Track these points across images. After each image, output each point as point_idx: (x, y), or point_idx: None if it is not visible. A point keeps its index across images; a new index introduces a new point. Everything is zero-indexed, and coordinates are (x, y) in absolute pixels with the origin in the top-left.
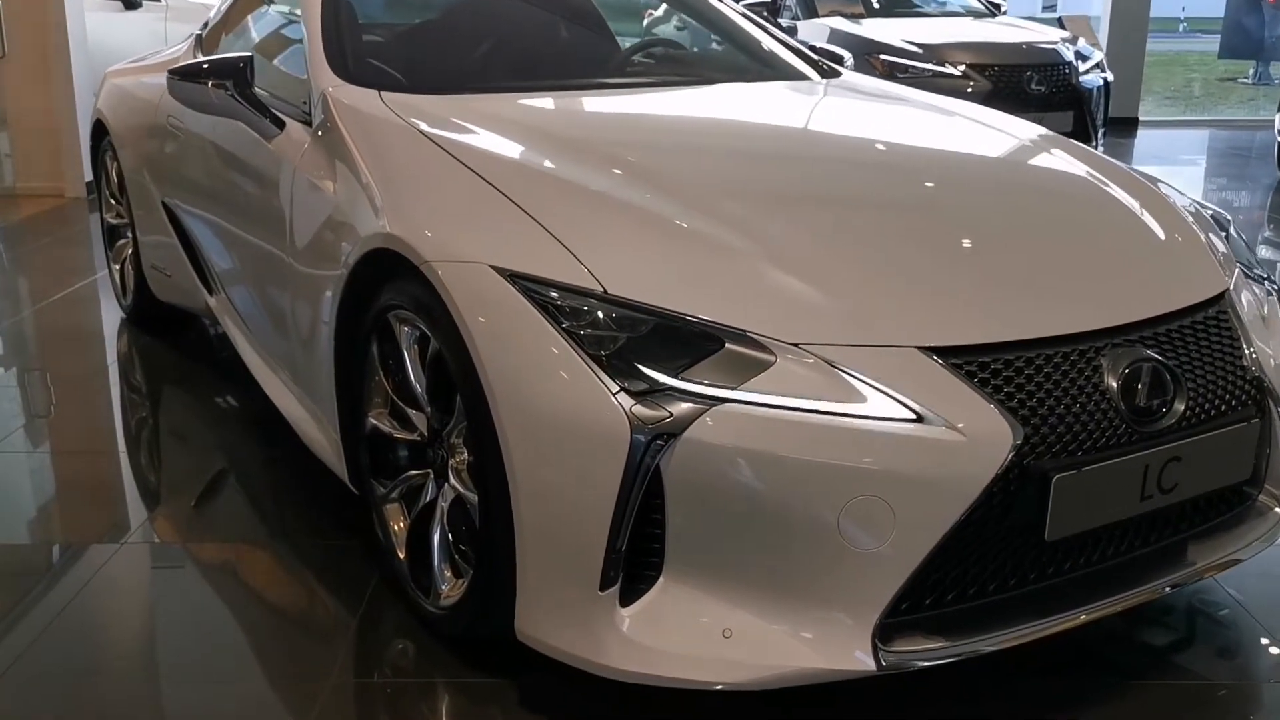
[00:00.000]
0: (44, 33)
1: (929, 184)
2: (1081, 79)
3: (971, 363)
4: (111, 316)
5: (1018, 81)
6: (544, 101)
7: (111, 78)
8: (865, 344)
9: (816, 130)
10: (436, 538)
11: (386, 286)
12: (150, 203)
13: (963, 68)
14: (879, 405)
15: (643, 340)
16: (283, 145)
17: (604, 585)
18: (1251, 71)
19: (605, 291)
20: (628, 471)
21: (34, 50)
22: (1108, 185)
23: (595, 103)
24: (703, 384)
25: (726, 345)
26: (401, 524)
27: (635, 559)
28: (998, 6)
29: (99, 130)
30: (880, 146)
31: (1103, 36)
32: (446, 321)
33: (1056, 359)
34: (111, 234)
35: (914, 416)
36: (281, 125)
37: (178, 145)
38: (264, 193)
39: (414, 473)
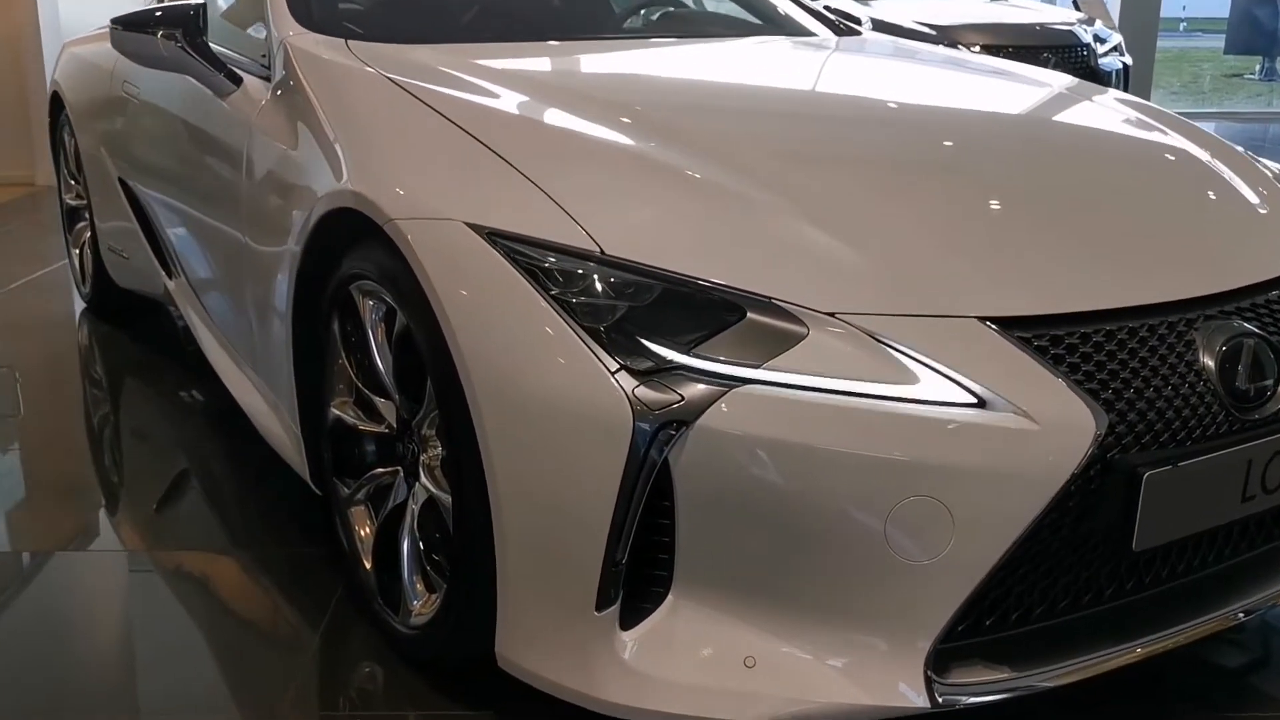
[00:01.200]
0: (12, 11)
1: (981, 143)
2: (1100, 61)
3: (1043, 336)
4: (71, 306)
5: (1034, 64)
6: (535, 53)
7: (70, 47)
8: (915, 314)
9: (846, 86)
10: (406, 545)
11: (349, 254)
12: (107, 180)
13: (976, 49)
14: (933, 387)
15: (648, 310)
16: (238, 103)
17: (601, 604)
18: (1258, 67)
19: (603, 252)
20: (630, 467)
21: (1, 30)
22: (1189, 145)
23: (592, 56)
24: (720, 361)
25: (748, 315)
26: (368, 530)
27: (639, 573)
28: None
29: (56, 105)
30: (921, 104)
31: None
32: (414, 290)
33: (1143, 333)
34: (70, 216)
35: (975, 400)
36: (238, 82)
37: (133, 115)
38: (218, 158)
39: (381, 470)
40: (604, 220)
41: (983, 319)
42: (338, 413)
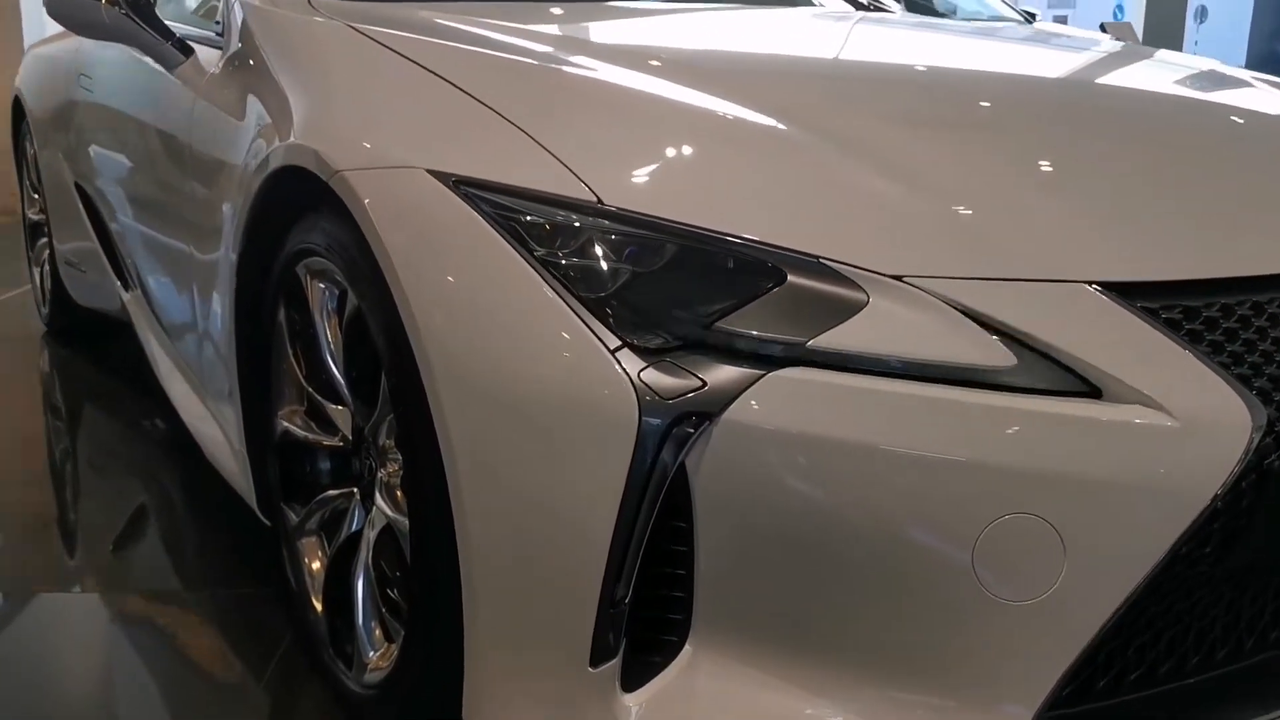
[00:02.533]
0: None
1: (1075, 97)
2: None
3: (1174, 308)
4: (33, 329)
5: None
6: (532, 10)
7: (35, 49)
8: (1008, 277)
9: (909, 47)
10: (361, 583)
11: (296, 226)
12: (63, 187)
13: None
14: (1033, 371)
15: (659, 275)
16: (187, 74)
17: (597, 658)
18: None
19: (601, 203)
20: (634, 476)
21: None
22: None
23: (599, 13)
24: (753, 338)
25: (789, 279)
26: (320, 564)
27: (647, 617)
28: (1033, 15)
29: (17, 112)
30: (994, 66)
31: None
32: (364, 259)
33: None
34: (33, 232)
35: (1090, 389)
36: (189, 53)
37: (86, 111)
38: (164, 142)
39: (335, 493)
40: (604, 166)
41: (1097, 284)
42: (286, 424)
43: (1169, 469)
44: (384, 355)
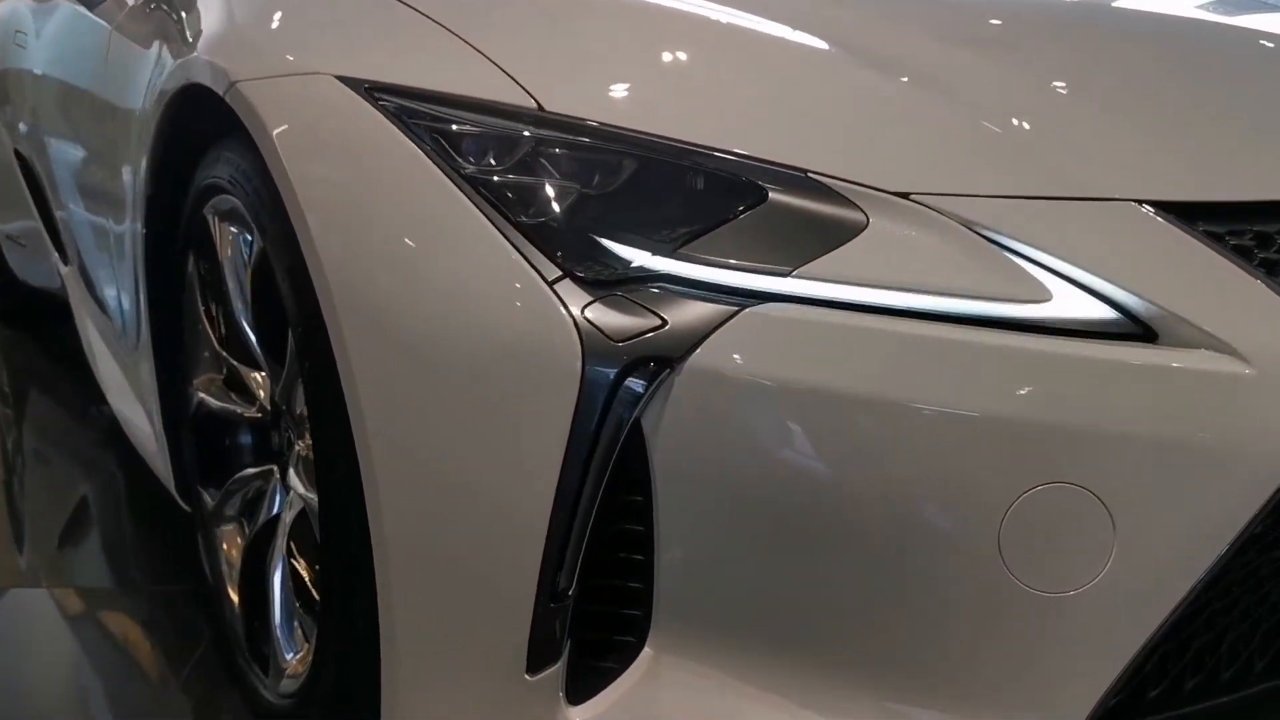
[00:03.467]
0: None
1: (1115, 17)
2: None
3: (1246, 232)
4: None
5: None
6: None
7: None
8: (1039, 194)
9: None
10: (278, 576)
11: (202, 161)
12: (4, 156)
13: None
14: (1073, 306)
15: (613, 195)
16: (109, 10)
17: (536, 663)
18: None
19: (543, 109)
20: (577, 439)
21: None
22: None
23: None
24: (725, 266)
25: (770, 197)
26: (237, 554)
27: (597, 613)
28: None
29: None
30: None
31: None
32: (268, 188)
33: None
34: None
35: (1142, 330)
36: None
37: (20, 68)
38: (87, 90)
39: (253, 471)
40: (548, 68)
41: (1151, 204)
42: (202, 395)
43: (1242, 428)
44: (287, 300)
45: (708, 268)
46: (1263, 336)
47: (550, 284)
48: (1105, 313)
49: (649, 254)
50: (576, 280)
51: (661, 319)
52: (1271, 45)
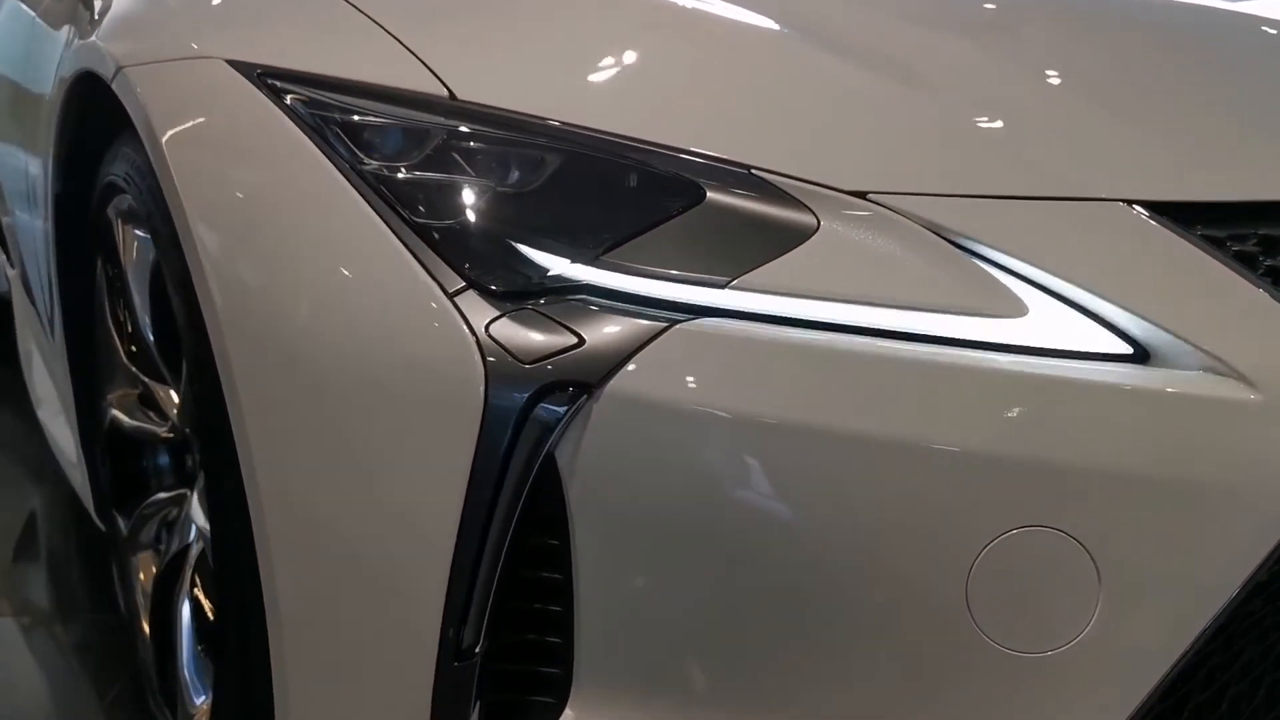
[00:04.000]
0: None
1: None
2: None
3: (1249, 237)
4: None
5: None
6: None
7: None
8: (1017, 194)
9: None
10: (186, 611)
11: (105, 156)
12: None
13: None
14: (1053, 322)
15: (531, 195)
16: None
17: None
18: None
19: (454, 97)
20: (480, 476)
21: None
22: None
23: None
24: (653, 275)
25: (709, 197)
26: (151, 585)
27: (512, 672)
28: None
29: None
30: None
31: None
32: (155, 185)
33: None
34: None
35: (1132, 348)
36: None
37: None
38: (16, 78)
39: (164, 496)
40: (465, 52)
41: (1139, 204)
42: (115, 412)
43: (1246, 462)
44: (178, 314)
45: (633, 277)
46: (1270, 357)
47: (451, 296)
48: (1090, 329)
49: (567, 261)
50: (482, 292)
51: (579, 337)
52: (1275, 32)
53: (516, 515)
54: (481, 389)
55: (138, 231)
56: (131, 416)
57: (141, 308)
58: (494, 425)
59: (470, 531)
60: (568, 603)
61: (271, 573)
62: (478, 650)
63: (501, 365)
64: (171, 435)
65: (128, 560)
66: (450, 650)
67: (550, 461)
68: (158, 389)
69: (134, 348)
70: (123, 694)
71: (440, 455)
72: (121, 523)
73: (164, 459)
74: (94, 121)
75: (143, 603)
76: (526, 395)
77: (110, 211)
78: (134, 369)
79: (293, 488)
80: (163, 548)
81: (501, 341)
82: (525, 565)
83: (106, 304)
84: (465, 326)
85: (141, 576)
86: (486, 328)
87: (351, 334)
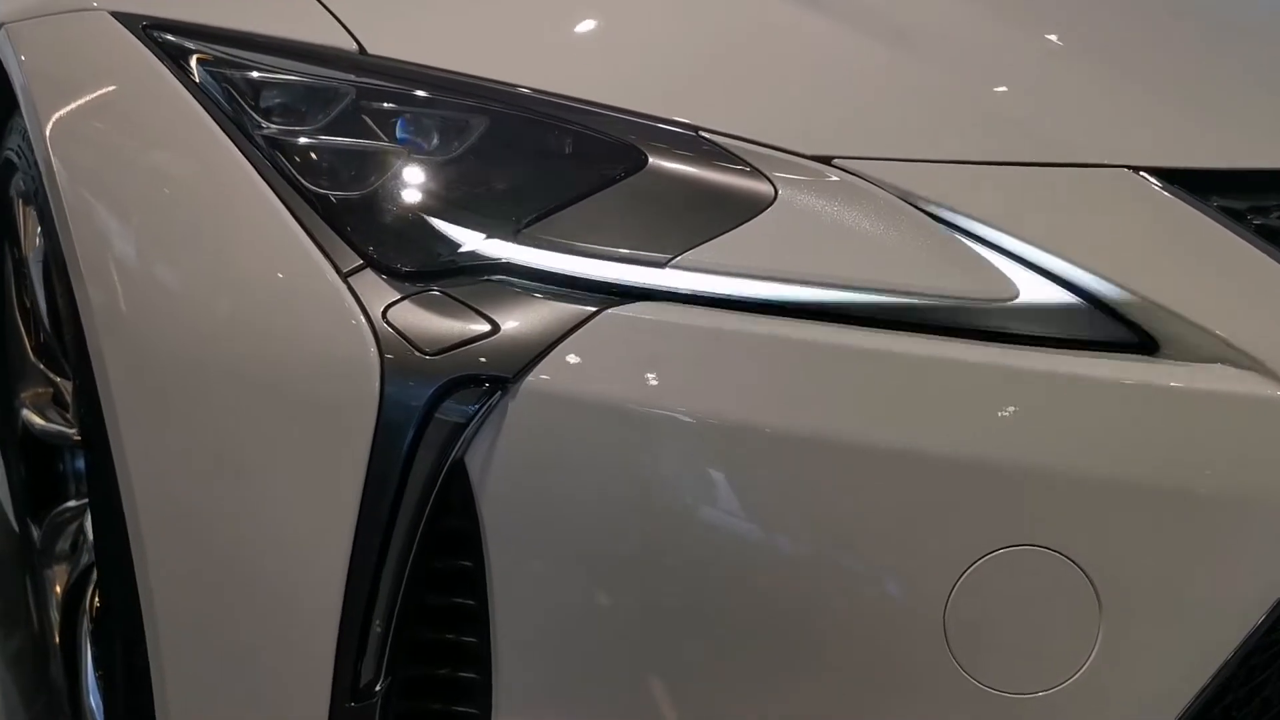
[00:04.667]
0: None
1: None
2: None
3: (1272, 209)
4: None
5: None
6: None
7: None
8: (1002, 160)
9: None
10: (89, 633)
11: (4, 130)
12: None
13: None
14: (1048, 308)
15: (446, 162)
16: None
17: None
18: None
19: (364, 52)
20: (375, 487)
21: None
22: None
23: None
24: (582, 252)
25: (651, 162)
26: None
27: (419, 710)
28: None
29: None
30: None
31: None
32: (34, 156)
33: None
34: None
35: (1140, 337)
36: None
37: None
38: None
39: (75, 504)
40: (379, 3)
41: (1147, 171)
42: (29, 414)
43: (1271, 467)
44: (61, 302)
45: (558, 254)
46: None
47: (345, 276)
48: (1090, 315)
49: (482, 236)
50: (382, 271)
51: (492, 323)
52: None
53: (420, 532)
54: (376, 384)
55: (33, 210)
56: (44, 417)
57: (42, 299)
58: (391, 427)
59: (366, 551)
60: (484, 633)
61: (150, 596)
62: (378, 688)
63: (400, 356)
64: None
65: (41, 573)
66: (346, 687)
67: (459, 469)
68: (65, 387)
69: (39, 342)
70: (50, 705)
71: (329, 463)
72: (34, 531)
73: (79, 463)
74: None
75: (56, 621)
76: (430, 392)
77: (12, 191)
78: (40, 365)
79: (170, 499)
80: (78, 561)
81: (401, 329)
82: (433, 590)
83: (13, 295)
84: (359, 311)
85: (57, 590)
86: (384, 313)
87: (232, 323)
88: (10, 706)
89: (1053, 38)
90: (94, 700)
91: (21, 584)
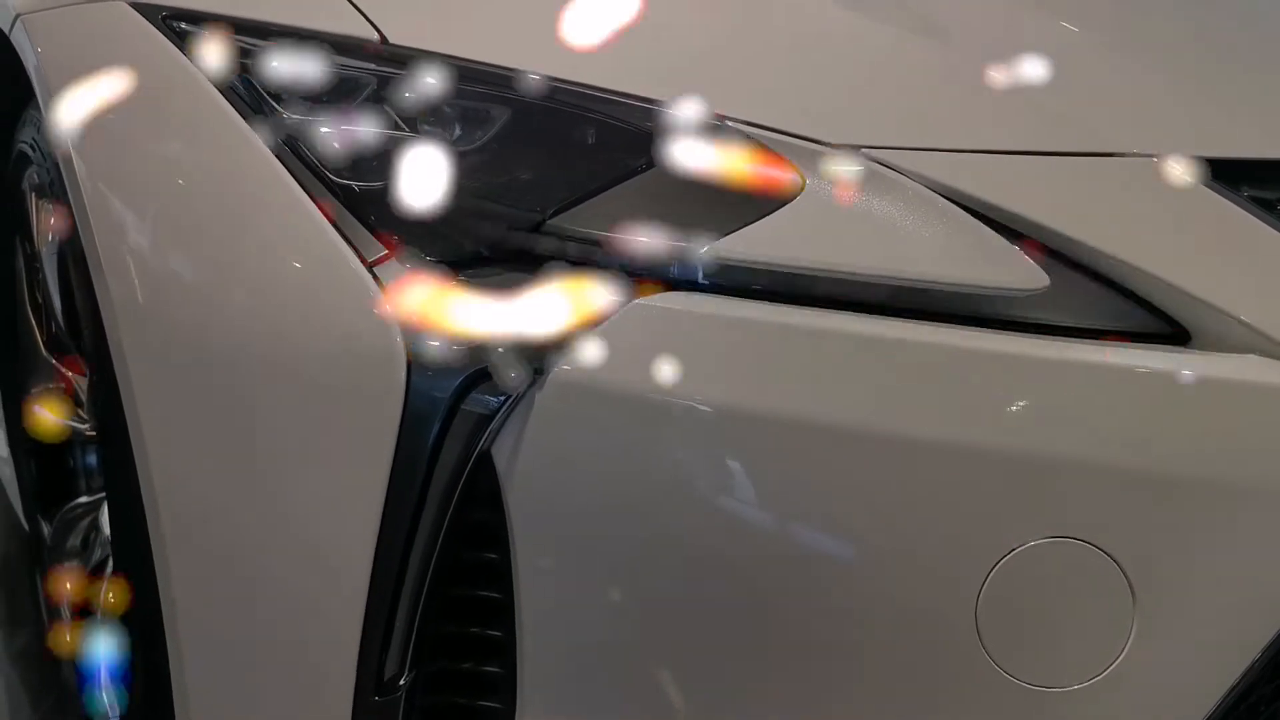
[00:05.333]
0: None
1: None
2: None
3: None
4: None
5: None
6: None
7: None
8: (1033, 150)
9: None
10: (103, 632)
11: (19, 122)
12: None
13: None
14: (1078, 298)
15: (471, 151)
16: None
17: None
18: None
19: (385, 41)
20: (401, 479)
21: None
22: None
23: None
24: (608, 242)
25: (677, 152)
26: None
27: (446, 705)
28: None
29: None
30: None
31: None
32: (51, 150)
33: None
34: None
35: (1171, 327)
36: None
37: None
38: None
39: (87, 500)
40: None
41: (1178, 160)
42: (40, 408)
43: None
44: (79, 296)
45: (584, 244)
46: None
47: (370, 266)
48: (1119, 305)
49: (506, 225)
50: (406, 261)
51: (518, 314)
52: None
53: (446, 525)
54: (403, 375)
55: (48, 205)
56: (55, 414)
57: (55, 293)
58: (417, 419)
59: (391, 544)
60: (509, 626)
61: (170, 591)
62: (402, 682)
63: (426, 348)
64: (94, 433)
65: (50, 571)
66: (370, 682)
67: (486, 461)
68: (79, 382)
69: (50, 338)
70: (59, 703)
71: (354, 455)
72: (45, 528)
73: (91, 459)
74: (6, 83)
75: (66, 620)
76: (456, 383)
77: (25, 184)
78: (54, 361)
79: (191, 494)
80: (89, 558)
81: (426, 319)
82: (458, 583)
83: (25, 290)
84: (384, 301)
85: (68, 588)
86: (409, 303)
87: (255, 314)
88: (18, 704)
89: (1082, 29)
90: (111, 706)
91: (31, 581)
